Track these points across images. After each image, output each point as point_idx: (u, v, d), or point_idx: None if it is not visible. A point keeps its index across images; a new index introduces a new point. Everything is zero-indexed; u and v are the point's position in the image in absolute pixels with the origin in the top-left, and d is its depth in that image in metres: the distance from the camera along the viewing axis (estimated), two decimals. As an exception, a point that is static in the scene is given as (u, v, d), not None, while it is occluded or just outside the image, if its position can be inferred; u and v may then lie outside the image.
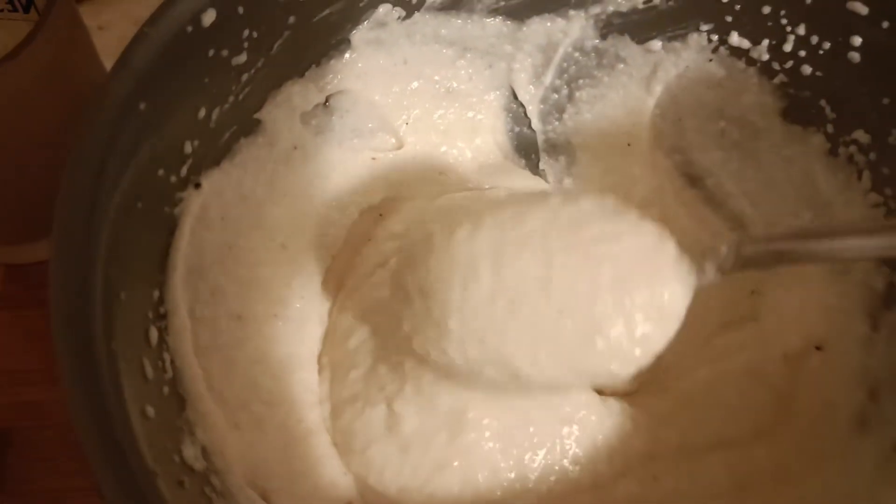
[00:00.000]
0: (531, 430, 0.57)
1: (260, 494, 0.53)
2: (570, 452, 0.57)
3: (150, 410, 0.45)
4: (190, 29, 0.51)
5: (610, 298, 0.49)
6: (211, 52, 0.54)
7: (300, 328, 0.62)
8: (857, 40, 0.56)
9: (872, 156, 0.58)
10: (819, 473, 0.57)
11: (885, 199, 0.57)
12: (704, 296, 0.64)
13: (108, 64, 0.67)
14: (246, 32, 0.56)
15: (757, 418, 0.60)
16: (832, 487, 0.56)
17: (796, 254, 0.48)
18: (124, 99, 0.47)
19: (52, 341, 0.40)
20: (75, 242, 0.43)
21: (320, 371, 0.62)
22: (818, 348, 0.61)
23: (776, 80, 0.62)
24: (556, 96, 0.72)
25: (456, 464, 0.56)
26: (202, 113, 0.55)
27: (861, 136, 0.59)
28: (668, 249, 0.51)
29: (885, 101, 0.56)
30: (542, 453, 0.57)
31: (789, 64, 0.61)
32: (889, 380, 0.56)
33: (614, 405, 0.59)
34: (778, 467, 0.58)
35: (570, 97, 0.72)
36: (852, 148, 0.59)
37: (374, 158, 0.69)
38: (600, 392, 0.61)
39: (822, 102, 0.60)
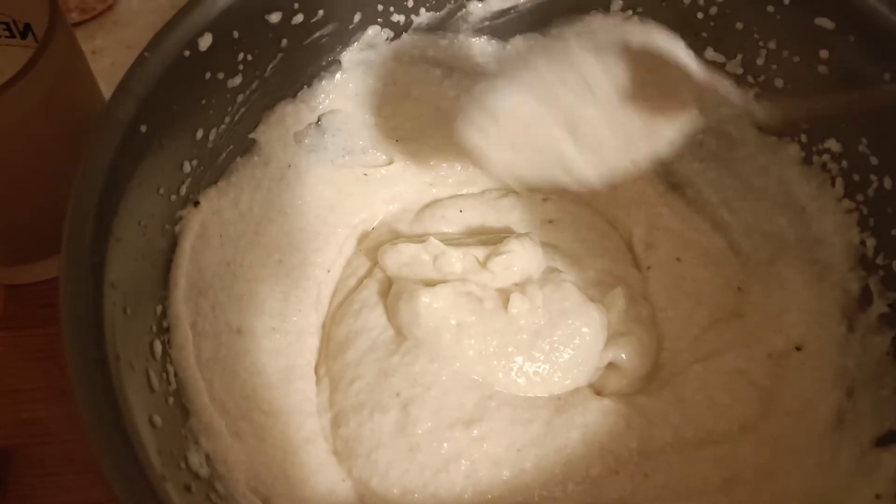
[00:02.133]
0: (534, 426, 0.60)
1: (262, 500, 0.54)
2: (567, 450, 0.59)
3: (158, 419, 0.46)
4: (187, 53, 0.54)
5: None
6: (208, 75, 0.56)
7: (298, 340, 0.64)
8: (825, 53, 0.59)
9: (844, 164, 0.60)
10: (800, 468, 0.59)
11: (857, 205, 0.60)
12: (696, 292, 0.68)
13: (103, 87, 0.70)
14: (241, 56, 0.58)
15: (743, 414, 0.62)
16: (812, 481, 0.57)
17: None
18: (126, 123, 0.50)
19: (65, 355, 0.41)
20: (83, 261, 0.45)
21: (318, 381, 0.64)
22: (798, 349, 0.63)
23: (750, 94, 0.64)
24: (540, 110, 0.74)
25: (464, 460, 0.58)
26: (200, 134, 0.57)
27: (833, 144, 0.61)
28: None
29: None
30: (540, 450, 0.59)
31: (762, 77, 0.63)
32: (864, 379, 0.58)
33: (610, 405, 0.61)
34: (762, 462, 0.60)
35: (554, 112, 0.74)
36: (825, 157, 0.62)
37: (365, 174, 0.72)
38: (599, 392, 0.64)
39: (795, 113, 0.63)
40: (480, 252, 0.66)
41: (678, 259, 0.70)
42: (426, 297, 0.62)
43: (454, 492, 0.57)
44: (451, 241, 0.68)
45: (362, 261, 0.70)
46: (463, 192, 0.75)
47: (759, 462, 0.60)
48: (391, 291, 0.65)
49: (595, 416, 0.60)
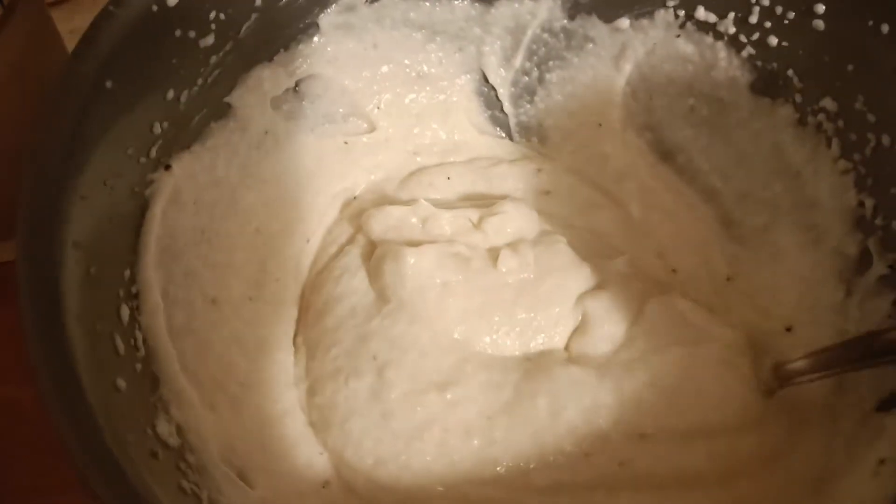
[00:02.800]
0: (504, 392, 0.57)
1: (237, 474, 0.52)
2: (536, 423, 0.57)
3: (122, 383, 0.44)
4: (155, 8, 0.52)
5: None
6: (178, 33, 0.54)
7: (276, 310, 0.62)
8: (821, 8, 0.57)
9: (840, 123, 0.58)
10: (801, 443, 0.57)
11: (854, 165, 0.58)
12: (682, 288, 0.66)
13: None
14: (213, 14, 0.56)
15: (743, 408, 0.59)
16: (813, 454, 0.55)
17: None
18: (90, 77, 0.48)
19: (19, 306, 0.39)
20: (43, 218, 0.43)
21: (296, 352, 0.62)
22: (788, 329, 0.62)
23: (744, 53, 0.63)
24: (527, 79, 0.73)
25: (436, 427, 0.56)
26: (171, 94, 0.55)
27: (828, 103, 0.59)
28: None
29: (850, 67, 0.57)
30: (510, 419, 0.57)
31: (756, 36, 0.62)
32: (864, 343, 0.56)
33: (577, 373, 0.59)
34: (767, 449, 0.58)
35: (541, 79, 0.72)
36: (820, 116, 0.60)
37: (346, 143, 0.70)
38: (571, 356, 0.61)
39: (790, 73, 0.61)
40: (473, 214, 0.65)
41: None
42: (412, 258, 0.60)
43: (425, 462, 0.55)
44: (440, 205, 0.67)
45: (344, 228, 0.68)
46: (450, 161, 0.73)
47: (763, 450, 0.57)
48: (375, 254, 0.64)
49: (562, 384, 0.58)
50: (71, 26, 0.92)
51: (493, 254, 0.62)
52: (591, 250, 0.66)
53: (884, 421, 0.51)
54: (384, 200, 0.69)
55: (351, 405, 0.57)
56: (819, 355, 0.56)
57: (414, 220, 0.64)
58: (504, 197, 0.69)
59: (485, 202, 0.68)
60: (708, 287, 0.66)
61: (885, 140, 0.55)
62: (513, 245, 0.63)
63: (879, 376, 0.53)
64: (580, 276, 0.62)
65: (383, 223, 0.65)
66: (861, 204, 0.57)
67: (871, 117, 0.56)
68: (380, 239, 0.65)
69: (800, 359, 0.57)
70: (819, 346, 0.59)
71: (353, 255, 0.65)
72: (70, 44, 0.69)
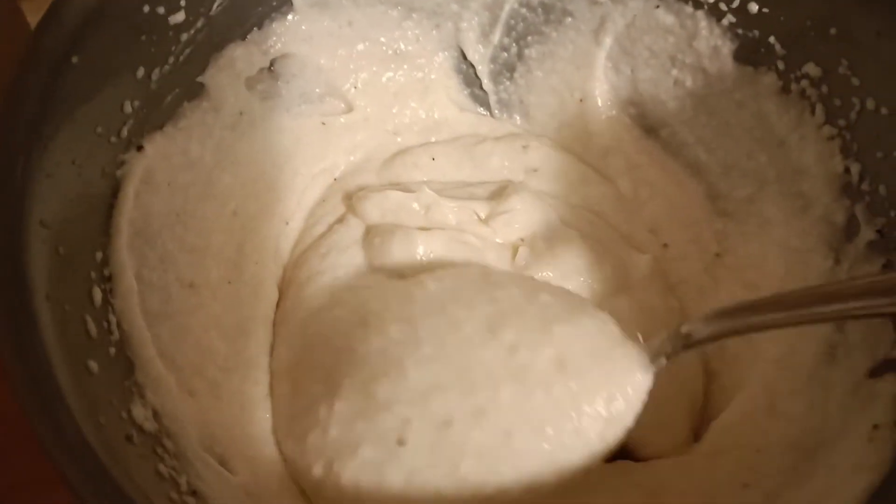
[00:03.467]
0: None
1: (217, 460, 0.51)
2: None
3: (94, 366, 0.43)
4: (122, -19, 0.50)
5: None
6: (146, 9, 0.53)
7: (255, 292, 0.61)
8: (801, -32, 0.56)
9: (824, 88, 0.58)
10: (790, 412, 0.56)
11: (839, 130, 0.57)
12: (674, 265, 0.66)
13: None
14: (182, -11, 0.55)
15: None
16: (806, 422, 0.55)
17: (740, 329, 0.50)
18: (55, 51, 0.46)
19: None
20: (8, 194, 0.42)
21: (275, 332, 0.61)
22: None
23: (724, 22, 0.62)
24: (506, 55, 0.72)
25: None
26: (141, 72, 0.54)
27: (812, 69, 0.58)
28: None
29: (833, 31, 0.56)
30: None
31: (736, 3, 0.61)
32: (854, 309, 0.55)
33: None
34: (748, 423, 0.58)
35: (520, 55, 0.71)
36: (804, 83, 0.59)
37: (323, 123, 0.69)
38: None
39: (772, 39, 0.60)
40: (480, 207, 0.64)
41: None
42: (422, 245, 0.61)
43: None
44: (434, 189, 0.66)
45: (329, 208, 0.67)
46: (432, 140, 0.72)
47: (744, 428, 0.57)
48: (377, 230, 0.63)
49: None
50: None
51: (507, 247, 0.63)
52: (603, 239, 0.66)
53: (876, 387, 0.51)
54: (367, 183, 0.68)
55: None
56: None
57: (415, 205, 0.63)
58: (501, 182, 0.69)
59: (484, 188, 0.68)
60: (698, 265, 0.66)
61: (870, 104, 0.54)
62: (530, 241, 0.63)
63: (872, 343, 0.52)
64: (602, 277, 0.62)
65: (380, 205, 0.64)
66: (847, 170, 0.56)
67: (854, 81, 0.55)
68: (375, 222, 0.64)
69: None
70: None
71: (342, 235, 0.64)
72: (30, 16, 0.68)
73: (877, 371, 0.52)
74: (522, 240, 0.64)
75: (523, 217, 0.64)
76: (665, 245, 0.67)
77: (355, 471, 0.50)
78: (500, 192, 0.66)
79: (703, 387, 0.63)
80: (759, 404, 0.58)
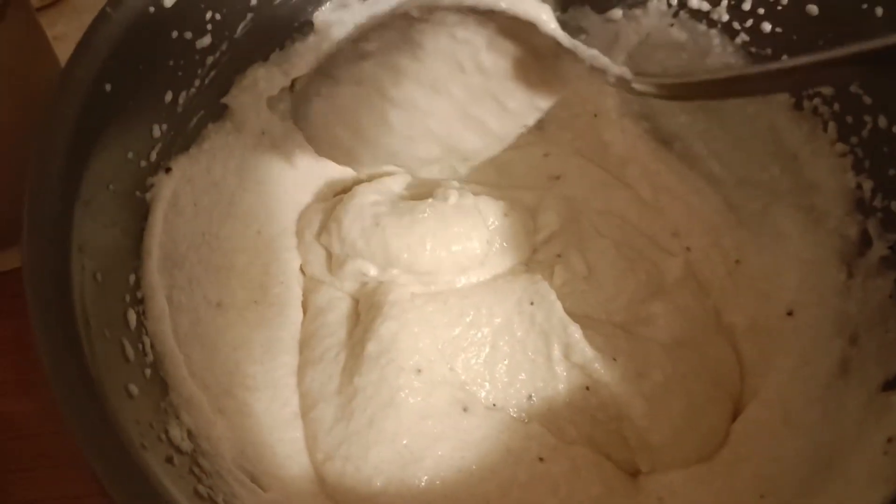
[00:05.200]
0: (429, 423, 0.57)
1: (249, 477, 0.52)
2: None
3: (134, 389, 0.44)
4: (152, 10, 0.51)
5: None
6: (174, 34, 0.54)
7: (281, 312, 0.62)
8: (814, -9, 0.57)
9: (836, 106, 0.59)
10: (805, 424, 0.57)
11: (851, 147, 0.58)
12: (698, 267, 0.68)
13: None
14: (209, 14, 0.56)
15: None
16: (819, 436, 0.56)
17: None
18: (89, 80, 0.47)
19: (30, 319, 0.39)
20: (48, 223, 0.43)
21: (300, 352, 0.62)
22: (790, 314, 0.62)
23: (738, 40, 0.63)
24: (521, 71, 0.72)
25: (385, 421, 0.56)
26: (169, 96, 0.55)
27: (824, 87, 0.59)
28: None
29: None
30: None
31: (749, 23, 0.62)
32: (868, 324, 0.56)
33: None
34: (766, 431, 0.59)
35: (535, 71, 0.72)
36: (816, 100, 0.60)
37: (342, 139, 0.69)
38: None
39: (784, 58, 0.61)
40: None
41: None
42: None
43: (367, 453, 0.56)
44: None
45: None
46: None
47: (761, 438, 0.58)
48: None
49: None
50: (55, 32, 0.92)
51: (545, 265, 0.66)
52: (635, 245, 0.68)
53: (890, 400, 0.52)
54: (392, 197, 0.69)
55: (322, 391, 0.59)
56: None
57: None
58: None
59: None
60: (721, 269, 0.67)
61: (882, 122, 0.55)
62: (565, 256, 0.65)
63: (886, 356, 0.53)
64: (636, 284, 0.64)
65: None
66: (859, 186, 0.57)
67: (867, 99, 0.56)
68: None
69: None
70: (819, 330, 0.59)
71: None
72: (56, 48, 0.68)
73: (891, 384, 0.53)
74: (559, 256, 0.65)
75: (558, 232, 0.66)
76: (688, 248, 0.69)
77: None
78: (535, 207, 0.68)
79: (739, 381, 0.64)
80: (774, 415, 0.59)
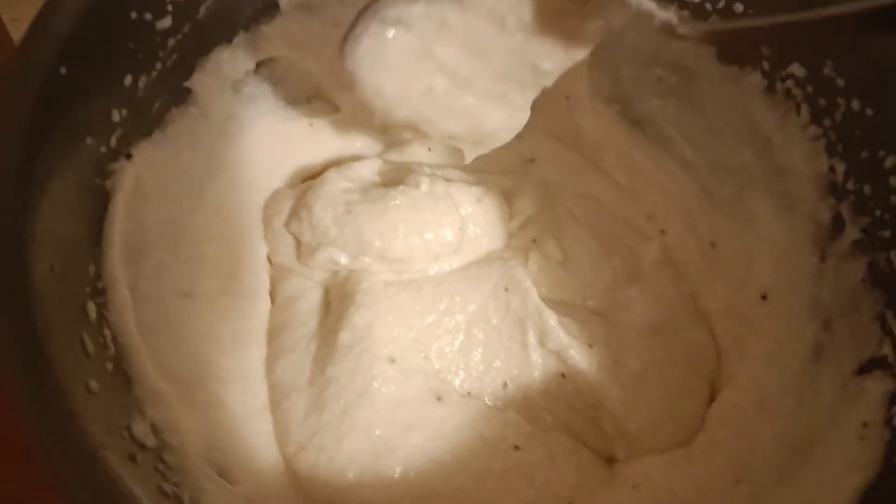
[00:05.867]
0: (403, 412, 0.57)
1: (218, 472, 0.51)
2: None
3: (94, 385, 0.43)
4: (110, -11, 0.49)
5: None
6: (133, 15, 0.52)
7: (251, 302, 0.61)
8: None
9: (809, 88, 0.58)
10: (780, 409, 0.57)
11: (824, 131, 0.58)
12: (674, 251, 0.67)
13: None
14: (170, -5, 0.54)
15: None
16: (794, 420, 0.56)
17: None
18: (45, 63, 0.45)
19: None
20: (1, 213, 0.41)
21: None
22: (763, 297, 0.62)
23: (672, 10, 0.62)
24: (490, 50, 0.71)
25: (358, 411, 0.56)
26: (128, 80, 0.53)
27: (797, 69, 0.58)
28: None
29: (818, 32, 0.56)
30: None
31: (721, 4, 0.61)
32: (841, 308, 0.56)
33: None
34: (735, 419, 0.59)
35: (504, 52, 0.71)
36: (789, 82, 0.59)
37: (311, 125, 0.68)
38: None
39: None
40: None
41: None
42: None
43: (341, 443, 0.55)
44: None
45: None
46: None
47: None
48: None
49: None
50: (11, 14, 0.89)
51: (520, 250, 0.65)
52: (611, 230, 0.67)
53: (864, 384, 0.52)
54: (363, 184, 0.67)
55: (294, 382, 0.58)
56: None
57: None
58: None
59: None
60: (696, 252, 0.67)
61: (855, 105, 0.55)
62: (540, 242, 0.64)
63: (859, 341, 0.53)
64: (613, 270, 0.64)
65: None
66: (832, 169, 0.57)
67: (840, 82, 0.56)
68: None
69: None
70: (793, 315, 0.59)
71: None
72: (12, 32, 0.66)
73: (865, 369, 0.53)
74: (535, 241, 0.65)
75: (534, 217, 0.65)
76: (663, 231, 0.68)
77: None
78: (510, 192, 0.67)
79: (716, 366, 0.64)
80: (749, 400, 0.59)
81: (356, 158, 0.68)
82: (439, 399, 0.57)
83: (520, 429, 0.57)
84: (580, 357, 0.58)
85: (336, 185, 0.63)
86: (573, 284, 0.64)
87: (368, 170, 0.66)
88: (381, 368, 0.56)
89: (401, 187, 0.63)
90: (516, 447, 0.56)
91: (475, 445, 0.56)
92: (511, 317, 0.60)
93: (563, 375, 0.59)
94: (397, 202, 0.61)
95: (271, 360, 0.59)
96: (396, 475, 0.54)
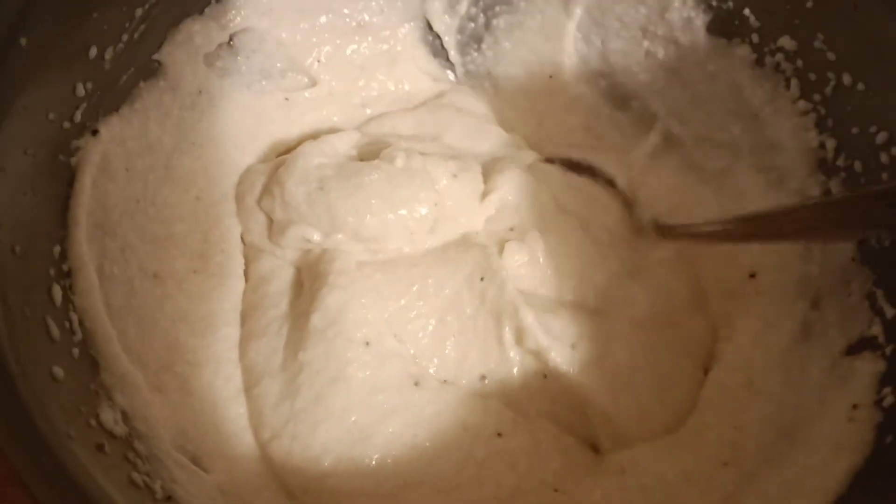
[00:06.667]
0: (380, 398, 0.55)
1: (190, 459, 0.49)
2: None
3: (59, 372, 0.41)
4: (71, -45, 0.47)
5: None
6: (97, -18, 0.49)
7: (222, 283, 0.59)
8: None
9: (799, 62, 0.57)
10: (768, 389, 0.56)
11: (814, 105, 0.56)
12: None
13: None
14: (135, -38, 0.52)
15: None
16: (781, 400, 0.55)
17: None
18: (2, 34, 0.43)
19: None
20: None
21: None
22: (752, 276, 0.61)
23: (697, -8, 0.61)
24: (473, 25, 0.70)
25: (333, 397, 0.54)
26: (94, 52, 0.50)
27: (787, 42, 0.57)
28: None
29: (809, 4, 0.55)
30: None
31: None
32: (830, 287, 0.55)
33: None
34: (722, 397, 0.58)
35: (487, 25, 0.69)
36: (778, 56, 0.58)
37: (287, 99, 0.66)
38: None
39: (746, 11, 0.59)
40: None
41: None
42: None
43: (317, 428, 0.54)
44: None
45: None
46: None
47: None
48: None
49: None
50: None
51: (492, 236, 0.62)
52: (604, 223, 0.65)
53: (854, 365, 0.51)
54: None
55: (266, 365, 0.57)
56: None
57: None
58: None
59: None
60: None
61: (846, 79, 0.54)
62: (520, 230, 0.61)
63: (848, 321, 0.52)
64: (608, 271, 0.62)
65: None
66: (822, 145, 0.56)
67: (830, 56, 0.54)
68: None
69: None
70: (782, 293, 0.58)
71: None
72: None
73: (854, 349, 0.52)
74: (512, 229, 0.62)
75: (512, 201, 0.62)
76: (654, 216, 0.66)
77: None
78: (489, 169, 0.64)
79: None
80: (736, 380, 0.58)
81: (333, 132, 0.66)
82: (417, 384, 0.55)
83: (502, 416, 0.55)
84: (561, 359, 0.56)
85: (310, 160, 0.61)
86: (559, 282, 0.61)
87: (345, 143, 0.64)
88: (355, 352, 0.54)
89: (375, 162, 0.60)
90: (499, 434, 0.54)
91: (456, 432, 0.54)
92: (486, 308, 0.58)
93: (544, 376, 0.57)
94: (372, 178, 0.59)
95: (244, 343, 0.57)
96: (374, 463, 0.52)
